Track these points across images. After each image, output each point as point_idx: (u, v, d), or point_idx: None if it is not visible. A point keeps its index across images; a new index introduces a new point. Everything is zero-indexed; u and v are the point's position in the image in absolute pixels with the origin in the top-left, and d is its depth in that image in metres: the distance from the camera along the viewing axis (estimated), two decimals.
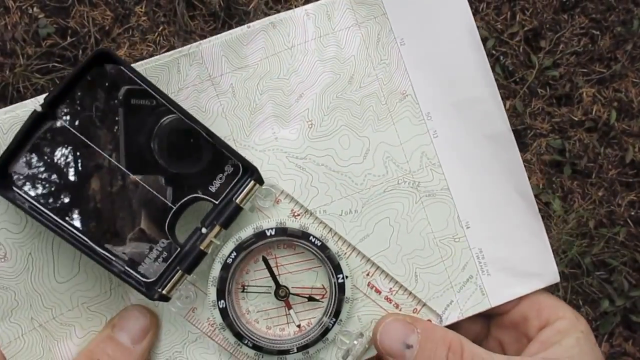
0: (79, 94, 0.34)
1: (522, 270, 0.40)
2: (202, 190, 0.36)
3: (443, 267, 0.40)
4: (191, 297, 0.38)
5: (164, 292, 0.36)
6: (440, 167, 0.39)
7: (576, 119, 1.12)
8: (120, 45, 1.08)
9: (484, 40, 1.11)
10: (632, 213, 1.12)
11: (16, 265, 0.38)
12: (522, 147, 1.12)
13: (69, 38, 1.07)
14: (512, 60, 1.12)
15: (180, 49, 0.38)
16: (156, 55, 1.07)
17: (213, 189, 0.36)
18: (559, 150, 1.12)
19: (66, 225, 0.35)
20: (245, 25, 0.38)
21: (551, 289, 1.10)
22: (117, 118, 0.35)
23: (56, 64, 1.06)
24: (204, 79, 0.38)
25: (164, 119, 0.35)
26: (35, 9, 1.06)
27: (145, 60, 0.37)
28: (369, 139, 0.39)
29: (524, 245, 0.40)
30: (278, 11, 1.09)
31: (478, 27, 1.17)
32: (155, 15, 1.08)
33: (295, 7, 1.10)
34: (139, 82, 0.34)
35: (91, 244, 0.35)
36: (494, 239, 0.40)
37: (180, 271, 0.36)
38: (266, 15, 1.09)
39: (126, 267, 0.35)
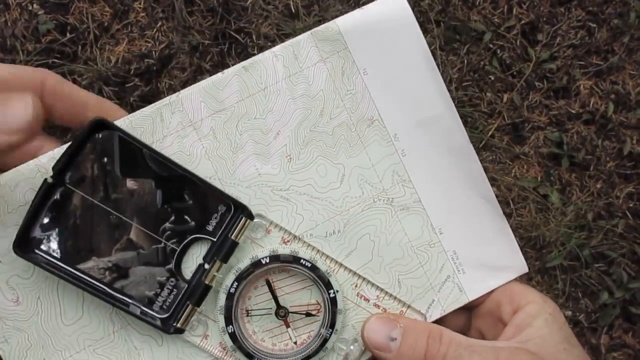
0: (82, 159, 0.38)
1: (494, 265, 0.43)
2: (201, 230, 0.40)
3: (422, 272, 0.43)
4: (202, 326, 0.41)
5: (178, 325, 0.40)
6: (411, 182, 0.43)
7: (574, 111, 1.13)
8: (119, 41, 1.09)
9: (481, 34, 1.12)
10: (631, 205, 1.12)
11: (27, 308, 0.41)
12: (520, 140, 1.13)
13: (68, 34, 1.08)
14: (509, 54, 1.12)
15: (161, 100, 0.41)
16: (155, 50, 1.08)
17: (210, 227, 0.40)
18: (556, 143, 1.12)
19: (86, 277, 0.39)
20: (220, 72, 0.41)
21: (551, 280, 1.09)
22: (120, 178, 0.39)
23: (56, 60, 1.07)
24: (185, 124, 0.41)
25: (163, 172, 0.40)
26: (34, 5, 1.07)
27: (131, 114, 0.40)
28: (343, 165, 0.42)
29: (493, 243, 0.44)
30: (276, 7, 1.10)
31: (475, 21, 1.17)
32: (154, 11, 1.09)
33: (293, 2, 1.10)
34: (135, 143, 0.39)
35: (109, 291, 0.39)
36: (465, 240, 0.43)
37: (190, 305, 0.40)
38: (264, 10, 1.09)
39: (143, 308, 0.40)
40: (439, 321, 0.43)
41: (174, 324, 0.40)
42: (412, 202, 0.43)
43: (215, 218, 0.40)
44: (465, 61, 1.12)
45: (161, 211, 0.40)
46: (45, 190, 0.38)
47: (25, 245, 0.38)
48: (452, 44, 1.12)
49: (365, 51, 0.42)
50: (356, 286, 0.42)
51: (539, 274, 1.11)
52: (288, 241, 0.42)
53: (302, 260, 0.41)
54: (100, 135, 0.38)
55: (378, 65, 0.42)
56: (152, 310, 0.40)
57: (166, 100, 0.41)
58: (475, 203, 0.43)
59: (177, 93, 0.41)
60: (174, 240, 0.40)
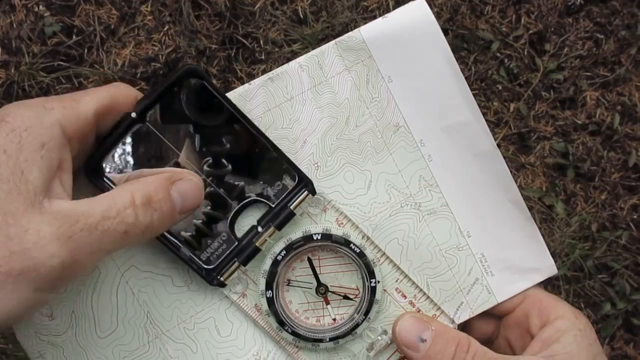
0: (166, 102, 0.39)
1: (523, 267, 0.44)
2: (262, 194, 0.41)
3: (451, 275, 0.44)
4: (242, 284, 0.42)
5: (221, 279, 0.41)
6: (438, 186, 0.43)
7: (580, 122, 1.13)
8: (126, 45, 1.08)
9: (489, 43, 1.12)
10: (635, 216, 1.12)
11: (62, 323, 0.41)
12: (526, 150, 1.13)
13: (74, 37, 1.07)
14: (516, 63, 1.12)
15: None
16: (161, 54, 1.07)
17: (271, 193, 0.42)
18: (562, 154, 1.12)
19: None
20: (247, 84, 0.42)
21: (554, 290, 1.09)
22: (195, 126, 0.40)
23: (61, 63, 1.06)
24: None
25: (234, 133, 0.41)
26: (41, 7, 1.07)
27: None
28: (370, 172, 0.43)
29: (521, 245, 0.44)
30: (284, 12, 1.09)
31: (483, 30, 1.17)
32: (161, 15, 1.08)
33: (301, 7, 1.10)
34: (218, 95, 0.39)
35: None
36: (493, 243, 0.44)
37: (237, 262, 0.41)
38: (272, 15, 1.09)
39: (191, 254, 0.41)
40: (468, 325, 0.44)
41: (218, 277, 0.41)
42: (440, 207, 0.43)
43: (278, 185, 0.42)
44: (473, 70, 1.12)
45: (227, 168, 0.41)
46: (127, 124, 0.38)
47: (95, 170, 0.38)
48: (460, 52, 1.12)
49: (389, 59, 0.42)
50: (397, 281, 0.43)
51: (543, 284, 1.11)
52: (342, 223, 0.43)
53: (352, 245, 0.42)
54: (188, 82, 0.39)
55: (402, 73, 0.42)
56: (200, 259, 0.41)
57: None
58: (503, 206, 0.43)
59: None
60: (233, 197, 0.41)
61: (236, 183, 0.41)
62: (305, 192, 0.41)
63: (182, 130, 0.40)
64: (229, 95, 0.41)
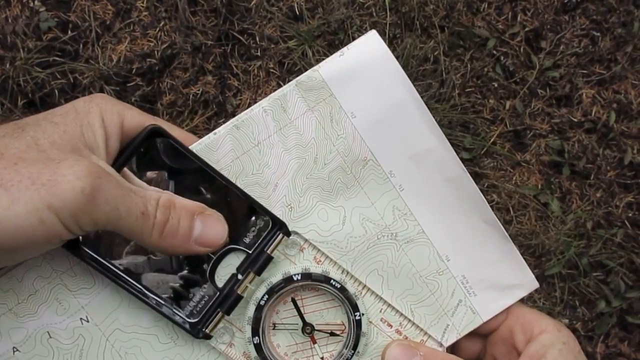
0: (134, 162, 0.40)
1: (504, 284, 0.45)
2: (238, 242, 0.42)
3: (434, 299, 0.44)
4: (228, 334, 0.43)
5: (207, 331, 0.42)
6: (412, 215, 0.44)
7: (575, 120, 1.13)
8: (121, 40, 1.08)
9: (485, 40, 1.12)
10: (630, 214, 1.12)
11: None
12: (522, 147, 1.13)
13: (69, 32, 1.07)
14: (512, 61, 1.12)
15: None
16: (157, 50, 1.07)
17: (247, 240, 0.42)
18: (558, 151, 1.12)
19: (124, 275, 0.40)
20: (212, 133, 0.42)
21: (549, 288, 1.09)
22: (166, 182, 0.41)
23: (57, 58, 1.06)
24: None
25: (206, 183, 0.41)
26: (36, 2, 1.07)
27: None
28: (343, 207, 0.44)
29: (500, 263, 0.45)
30: (280, 9, 1.09)
31: (480, 27, 1.17)
32: (157, 11, 1.08)
33: (297, 4, 1.10)
34: (185, 152, 0.40)
35: (144, 290, 0.40)
36: (473, 264, 0.44)
37: (220, 312, 0.42)
38: (268, 12, 1.09)
39: (174, 310, 0.41)
40: (456, 346, 0.45)
41: (203, 329, 0.41)
42: (416, 234, 0.44)
43: (253, 231, 0.42)
44: (469, 67, 1.12)
45: None
46: None
47: (73, 243, 0.39)
48: (456, 49, 1.12)
49: (350, 95, 0.43)
50: (381, 311, 0.44)
51: (537, 282, 1.11)
52: (320, 261, 0.43)
53: (332, 281, 0.43)
54: (153, 142, 0.40)
55: (365, 107, 0.43)
56: (183, 313, 0.41)
57: None
58: (478, 227, 0.44)
59: None
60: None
61: None
62: (281, 235, 0.42)
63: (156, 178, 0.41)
64: (195, 146, 0.42)
